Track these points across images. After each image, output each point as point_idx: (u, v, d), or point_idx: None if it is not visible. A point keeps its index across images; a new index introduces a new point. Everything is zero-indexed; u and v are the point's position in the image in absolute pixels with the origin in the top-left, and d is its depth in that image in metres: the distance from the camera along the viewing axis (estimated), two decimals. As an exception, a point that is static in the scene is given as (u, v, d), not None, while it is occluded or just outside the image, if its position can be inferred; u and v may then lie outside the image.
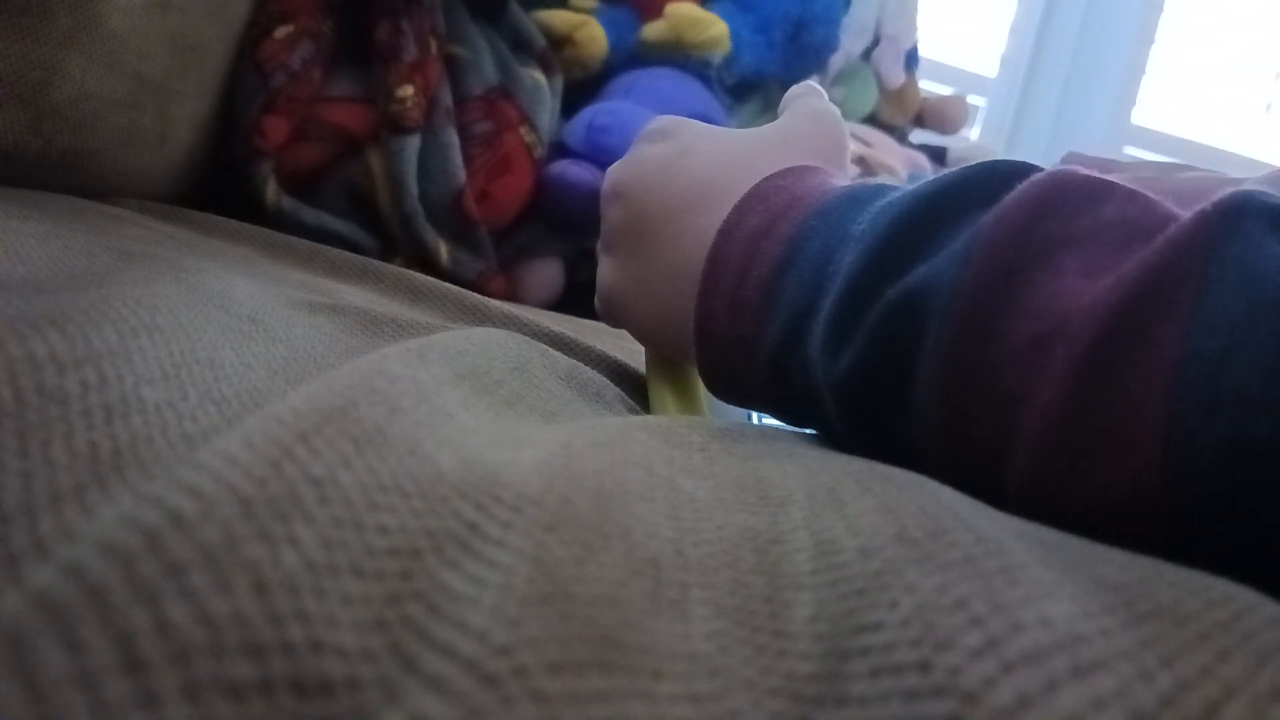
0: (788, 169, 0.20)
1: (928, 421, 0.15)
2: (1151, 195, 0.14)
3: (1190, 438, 0.11)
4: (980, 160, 0.17)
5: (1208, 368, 0.11)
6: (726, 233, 0.19)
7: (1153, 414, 0.12)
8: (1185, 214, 0.13)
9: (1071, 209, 0.14)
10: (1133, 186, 0.14)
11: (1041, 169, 0.15)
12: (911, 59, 0.71)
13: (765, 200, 0.20)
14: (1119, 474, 0.12)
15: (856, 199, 0.18)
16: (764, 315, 0.18)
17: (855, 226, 0.17)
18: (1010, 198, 0.14)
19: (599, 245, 0.25)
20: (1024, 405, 0.13)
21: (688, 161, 0.22)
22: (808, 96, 0.25)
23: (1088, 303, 0.13)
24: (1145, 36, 1.23)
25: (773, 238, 0.19)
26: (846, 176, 0.23)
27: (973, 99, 0.87)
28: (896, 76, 0.69)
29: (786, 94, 0.26)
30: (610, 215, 0.24)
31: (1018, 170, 0.15)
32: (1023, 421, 0.13)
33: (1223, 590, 0.10)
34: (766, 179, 0.20)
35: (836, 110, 0.24)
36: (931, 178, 0.16)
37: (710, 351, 0.20)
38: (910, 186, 0.17)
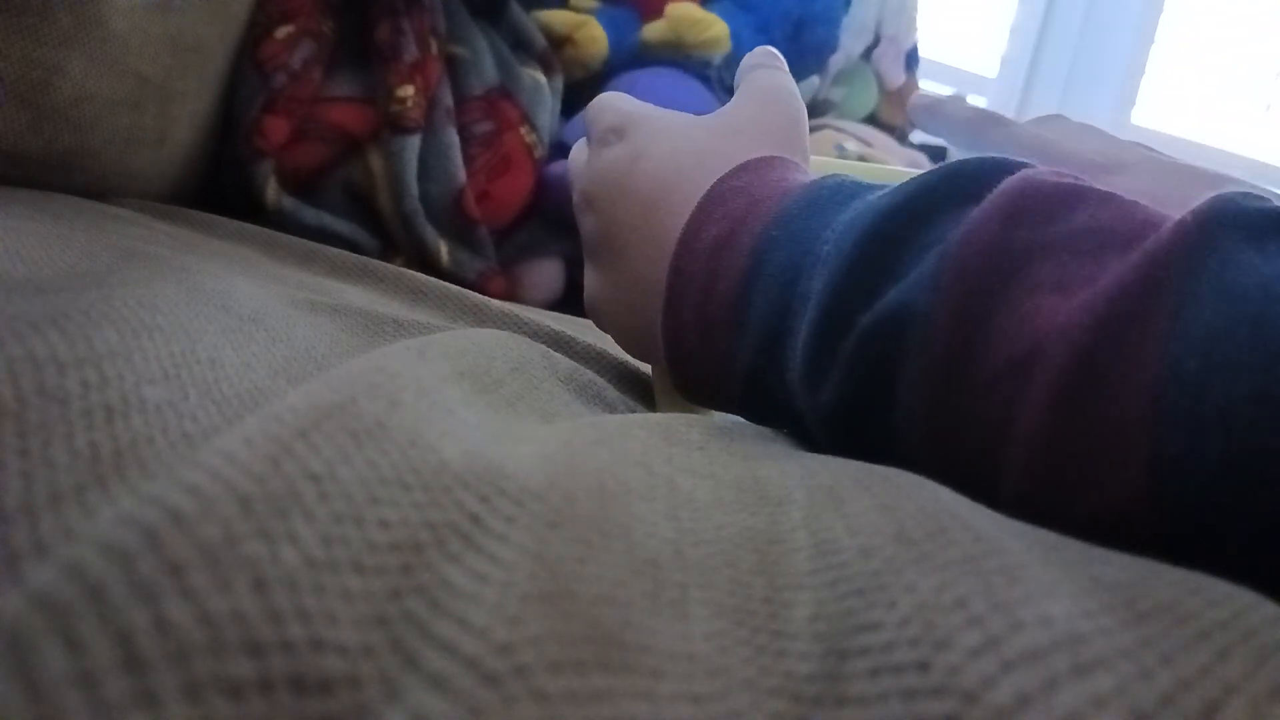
0: (742, 166, 0.19)
1: (914, 448, 0.14)
2: (1127, 197, 0.14)
3: (1176, 460, 0.11)
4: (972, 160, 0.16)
5: (1189, 389, 0.11)
6: (686, 243, 0.19)
7: (1136, 437, 0.11)
8: (1164, 218, 0.13)
9: (1042, 216, 0.14)
10: (1105, 189, 0.14)
11: (1007, 166, 0.15)
12: (911, 59, 0.71)
13: (723, 204, 0.19)
14: (1106, 497, 0.12)
15: (816, 204, 0.17)
16: (734, 332, 0.18)
17: (820, 244, 0.16)
18: (978, 211, 0.14)
19: (584, 253, 0.25)
20: (1006, 432, 0.13)
21: (643, 166, 0.21)
22: (761, 69, 0.23)
23: (1063, 323, 0.12)
24: (1145, 37, 1.23)
25: (733, 249, 0.18)
26: (806, 152, 0.22)
27: (973, 99, 0.87)
28: (897, 77, 0.69)
29: (742, 63, 0.25)
30: (584, 224, 0.24)
31: (983, 175, 0.15)
32: (1006, 448, 0.13)
33: (1222, 590, 0.10)
34: (721, 180, 0.19)
35: (788, 83, 0.23)
36: (897, 189, 0.16)
37: (683, 365, 0.20)
38: (874, 196, 0.16)
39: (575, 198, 0.24)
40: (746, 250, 0.18)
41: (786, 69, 0.24)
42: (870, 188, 0.17)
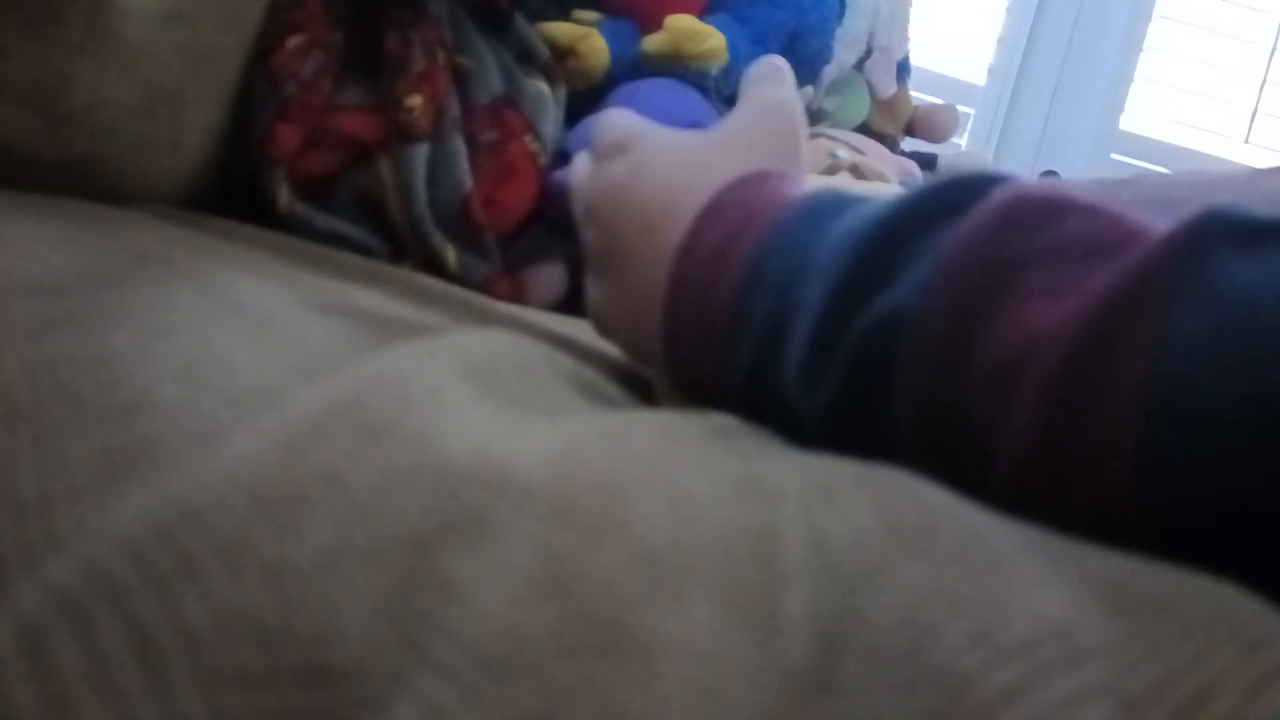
0: (740, 179, 0.20)
1: (906, 447, 0.15)
2: (1117, 208, 0.14)
3: (1164, 459, 0.11)
4: (965, 168, 0.16)
5: (1178, 390, 0.11)
6: (685, 252, 0.19)
7: (1124, 437, 0.12)
8: (1153, 227, 0.13)
9: (1033, 225, 0.14)
10: (1095, 200, 0.14)
11: (1003, 180, 0.15)
12: (903, 69, 0.72)
13: (721, 215, 0.19)
14: (1095, 496, 0.12)
15: (812, 215, 0.18)
16: (733, 337, 0.18)
17: (815, 253, 0.17)
18: (970, 218, 0.14)
19: (585, 266, 0.25)
20: (996, 434, 0.13)
21: (644, 179, 0.22)
22: (763, 83, 0.24)
23: (1053, 327, 0.13)
24: (1133, 45, 1.24)
25: (731, 258, 0.18)
26: (801, 167, 0.23)
27: (962, 108, 0.88)
28: (888, 86, 0.69)
29: (747, 74, 0.25)
30: (587, 236, 0.24)
31: (976, 186, 0.15)
32: (997, 448, 0.13)
33: (1208, 584, 0.10)
34: (720, 192, 0.20)
35: (788, 98, 0.24)
36: (892, 200, 0.16)
37: (683, 368, 0.20)
38: (868, 208, 0.17)
39: (577, 210, 0.25)
40: (744, 259, 0.18)
41: (790, 82, 0.25)
42: (864, 201, 0.18)
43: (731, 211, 0.19)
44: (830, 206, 0.18)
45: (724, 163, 0.21)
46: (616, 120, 0.25)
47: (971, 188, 0.15)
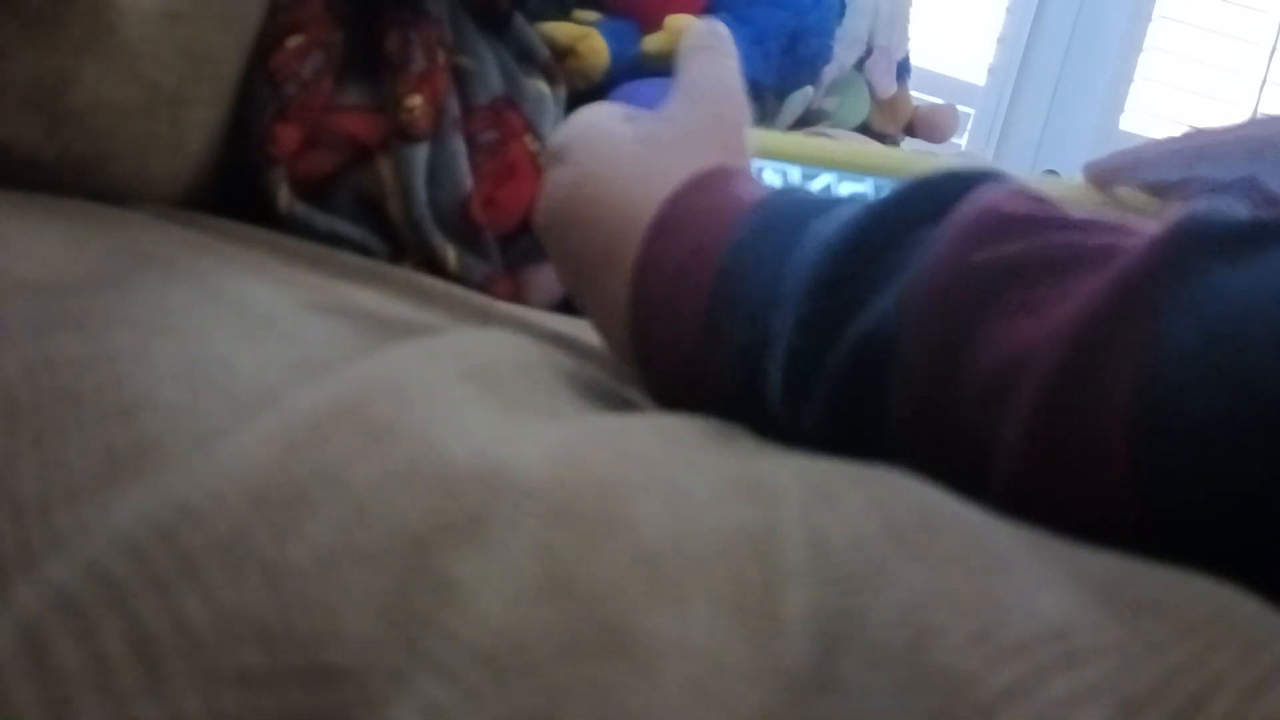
0: (688, 185, 0.19)
1: (898, 463, 0.15)
2: (1085, 218, 0.14)
3: (1158, 468, 0.11)
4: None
5: (1167, 405, 0.11)
6: (642, 273, 0.19)
7: (1117, 452, 0.12)
8: (1130, 236, 0.13)
9: (1006, 237, 0.14)
10: (1061, 210, 0.14)
11: (971, 180, 0.15)
12: (903, 69, 0.72)
13: (673, 230, 0.19)
14: (1089, 507, 0.12)
15: (770, 230, 0.17)
16: (709, 365, 0.18)
17: (780, 279, 0.16)
18: (939, 238, 0.14)
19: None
20: (988, 453, 0.13)
21: (588, 193, 0.21)
22: (699, 56, 0.23)
23: (1041, 340, 0.13)
24: (1133, 45, 1.24)
25: (691, 288, 0.18)
26: (746, 153, 0.22)
27: (962, 108, 0.88)
28: (888, 86, 0.69)
29: (681, 44, 0.24)
30: (549, 253, 0.24)
31: (940, 194, 0.15)
32: (989, 467, 0.13)
33: (1207, 585, 0.10)
34: (668, 204, 0.19)
35: (729, 76, 0.23)
36: (852, 213, 0.16)
37: (667, 390, 0.20)
38: (830, 221, 0.16)
39: (535, 225, 0.24)
40: (705, 289, 0.18)
41: (728, 49, 0.23)
42: (822, 205, 0.17)
43: (684, 228, 0.19)
44: (786, 217, 0.17)
45: (668, 166, 0.20)
46: (568, 122, 0.24)
47: (936, 196, 0.15)
